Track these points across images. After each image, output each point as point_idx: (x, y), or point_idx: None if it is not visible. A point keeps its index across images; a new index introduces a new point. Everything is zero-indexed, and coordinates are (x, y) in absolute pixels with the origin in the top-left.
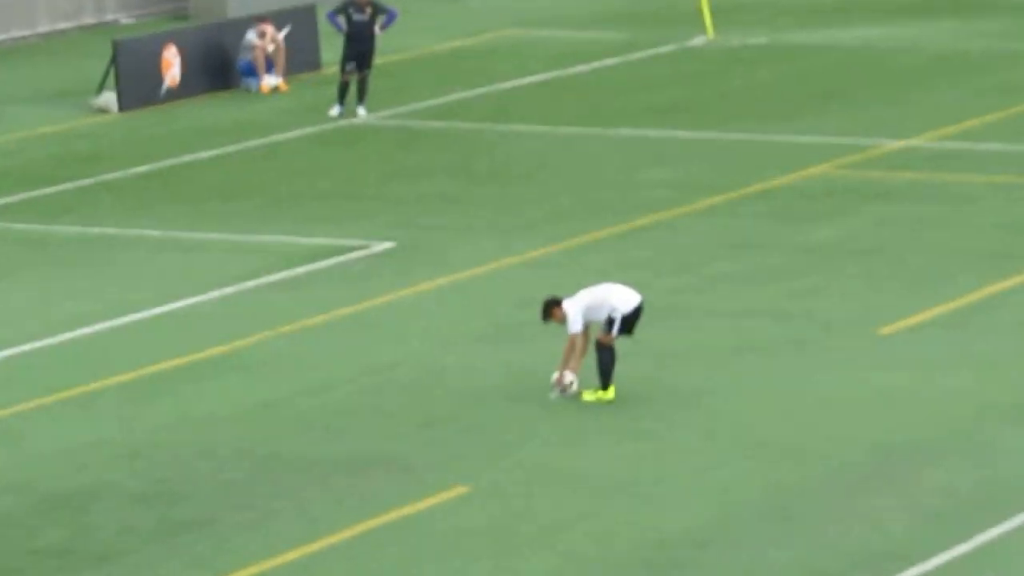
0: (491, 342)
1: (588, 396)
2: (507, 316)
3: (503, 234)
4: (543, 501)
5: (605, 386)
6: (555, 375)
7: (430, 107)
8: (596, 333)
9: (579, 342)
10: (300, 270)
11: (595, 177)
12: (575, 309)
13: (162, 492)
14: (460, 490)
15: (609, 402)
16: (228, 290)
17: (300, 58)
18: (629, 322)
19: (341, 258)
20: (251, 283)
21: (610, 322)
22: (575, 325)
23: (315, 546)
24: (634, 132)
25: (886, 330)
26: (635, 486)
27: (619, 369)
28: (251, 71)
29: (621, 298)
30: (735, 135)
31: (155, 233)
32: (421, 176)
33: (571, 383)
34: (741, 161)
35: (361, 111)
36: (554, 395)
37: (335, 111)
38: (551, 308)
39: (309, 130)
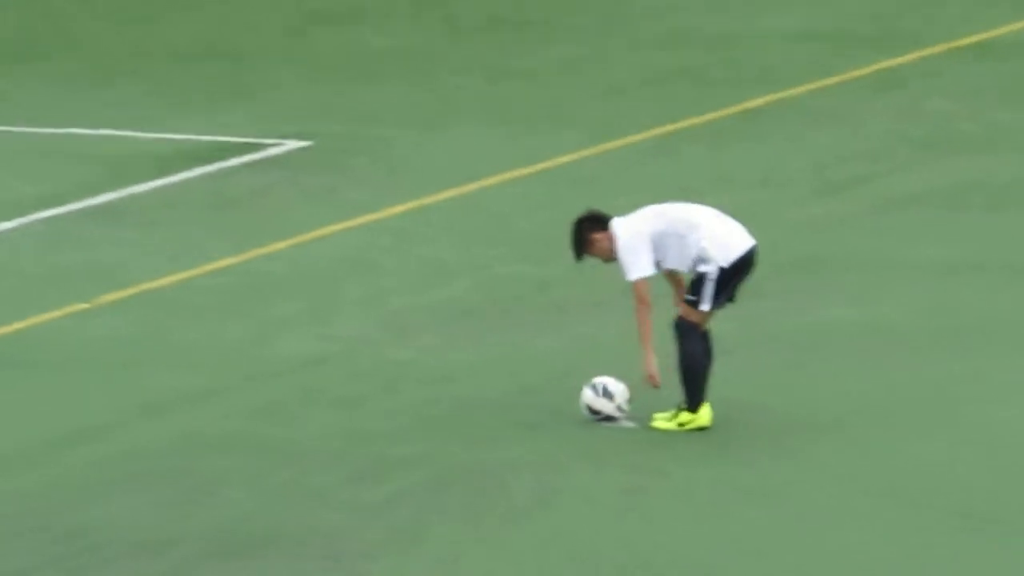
0: (485, 322)
1: (662, 423)
2: (514, 273)
3: (507, 125)
4: None
5: (693, 404)
6: (607, 391)
7: None
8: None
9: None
10: (138, 190)
11: (673, 23)
12: (636, 236)
13: None
14: None
15: (700, 431)
16: (9, 224)
17: None
18: (730, 281)
19: (213, 167)
20: (45, 213)
21: (699, 282)
22: (639, 265)
23: None
24: None
25: None
26: None
27: (717, 370)
28: None
29: (717, 232)
30: None
31: None
32: (358, 18)
33: (619, 406)
34: None
35: None
36: (589, 407)
37: None
38: (589, 232)
39: None
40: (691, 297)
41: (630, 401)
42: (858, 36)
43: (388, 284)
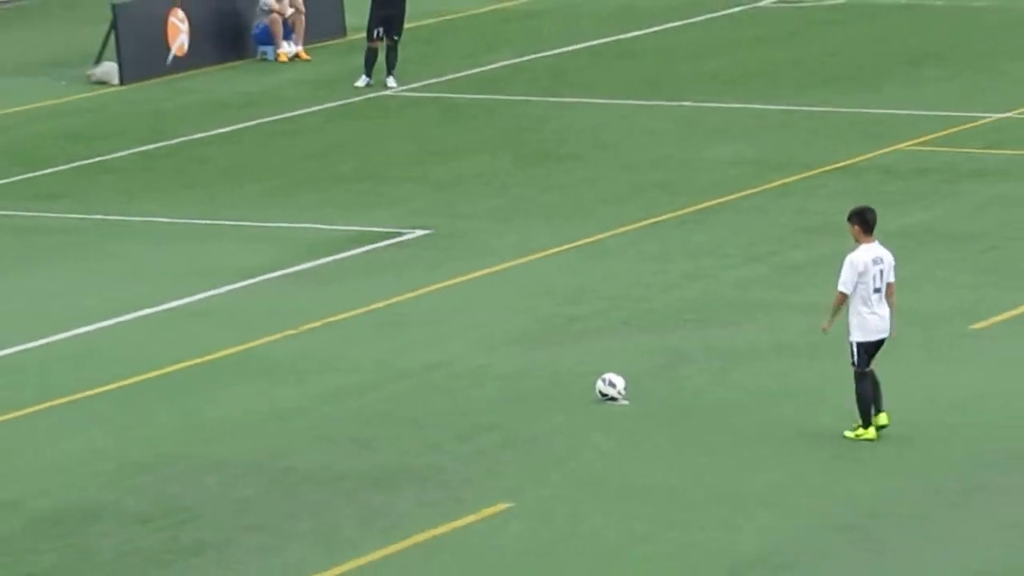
0: (538, 341)
1: (849, 433)
2: (556, 312)
3: (552, 219)
4: (595, 520)
5: (864, 424)
6: (611, 382)
7: (469, 77)
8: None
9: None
10: (324, 261)
11: (655, 154)
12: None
13: (167, 511)
14: (502, 507)
15: (868, 441)
16: (243, 284)
17: (322, 23)
18: (868, 351)
19: (370, 247)
20: (268, 276)
21: (851, 349)
22: (846, 282)
23: (339, 570)
24: (699, 104)
25: (979, 325)
26: (701, 503)
27: (680, 371)
28: (267, 38)
29: (864, 313)
30: (812, 107)
31: (161, 220)
32: (459, 155)
33: (620, 391)
34: (819, 136)
35: (391, 82)
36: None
37: (362, 82)
38: (857, 221)
39: (333, 104)
40: (851, 360)
41: (627, 388)
42: (770, 162)
43: (477, 319)
